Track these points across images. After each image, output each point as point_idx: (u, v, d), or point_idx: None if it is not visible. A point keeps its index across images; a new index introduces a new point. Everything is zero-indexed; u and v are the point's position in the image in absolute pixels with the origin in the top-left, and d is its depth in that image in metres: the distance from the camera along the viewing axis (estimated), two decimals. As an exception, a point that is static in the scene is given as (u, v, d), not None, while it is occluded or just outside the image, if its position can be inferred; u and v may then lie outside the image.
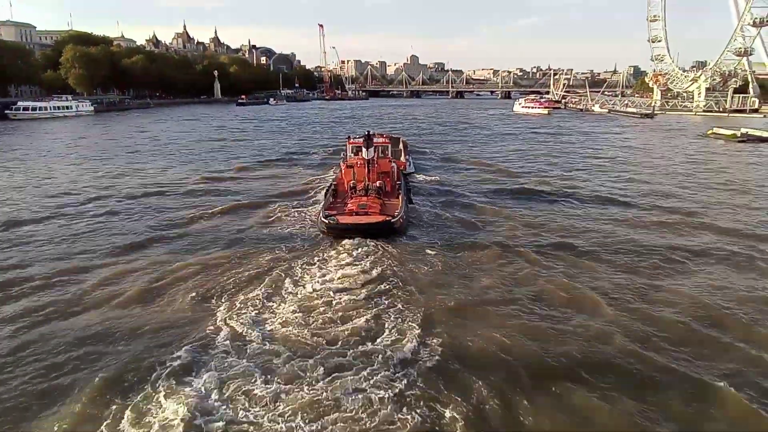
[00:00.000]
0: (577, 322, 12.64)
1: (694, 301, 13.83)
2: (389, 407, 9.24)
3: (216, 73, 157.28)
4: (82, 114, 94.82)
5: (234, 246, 18.33)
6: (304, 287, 14.40)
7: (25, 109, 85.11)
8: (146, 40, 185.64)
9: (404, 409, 9.23)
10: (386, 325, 12.22)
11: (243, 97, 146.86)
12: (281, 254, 17.22)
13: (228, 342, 11.49)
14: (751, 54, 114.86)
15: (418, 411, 9.20)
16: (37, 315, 12.94)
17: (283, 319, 12.56)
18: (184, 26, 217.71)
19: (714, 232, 20.67)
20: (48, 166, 36.81)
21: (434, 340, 11.52)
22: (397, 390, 9.68)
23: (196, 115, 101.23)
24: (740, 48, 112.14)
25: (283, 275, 15.22)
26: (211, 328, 12.20)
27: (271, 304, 13.45)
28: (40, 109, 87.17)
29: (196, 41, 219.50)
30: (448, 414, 9.17)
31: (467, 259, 16.91)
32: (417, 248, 17.91)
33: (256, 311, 13.00)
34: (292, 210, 23.47)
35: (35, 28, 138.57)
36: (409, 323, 12.28)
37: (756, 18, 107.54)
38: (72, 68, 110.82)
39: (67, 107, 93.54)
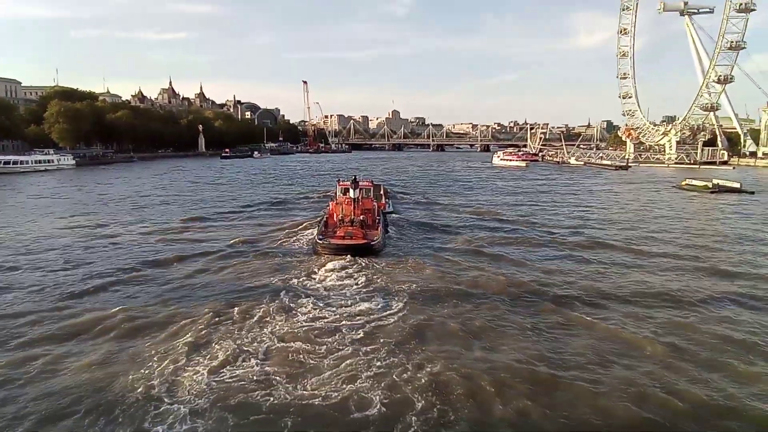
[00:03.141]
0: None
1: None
2: None
3: (201, 127, 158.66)
4: (64, 168, 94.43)
5: (234, 273, 21.28)
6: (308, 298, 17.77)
7: (6, 162, 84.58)
8: (132, 95, 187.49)
9: None
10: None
11: (227, 150, 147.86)
12: (278, 276, 20.54)
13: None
14: (717, 109, 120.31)
15: None
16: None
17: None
18: (170, 82, 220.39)
19: (711, 275, 21.96)
20: (17, 218, 36.30)
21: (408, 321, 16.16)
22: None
23: (180, 168, 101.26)
24: (707, 103, 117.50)
25: (284, 292, 18.22)
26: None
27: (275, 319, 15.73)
28: (22, 162, 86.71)
29: (181, 96, 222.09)
30: None
31: (428, 271, 21.79)
32: (391, 263, 22.90)
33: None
34: (283, 241, 27.96)
35: (21, 84, 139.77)
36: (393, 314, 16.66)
37: (720, 75, 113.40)
38: (56, 123, 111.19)
39: (49, 161, 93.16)
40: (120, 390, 11.50)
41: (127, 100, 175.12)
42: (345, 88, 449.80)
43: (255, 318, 15.68)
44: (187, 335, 14.43)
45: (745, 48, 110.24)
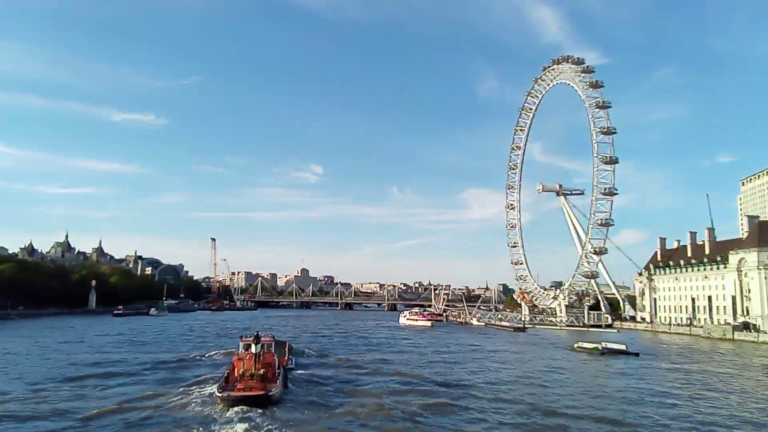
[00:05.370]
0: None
1: None
2: None
3: (93, 282, 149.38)
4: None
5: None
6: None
7: None
8: (20, 248, 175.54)
9: None
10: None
11: (120, 307, 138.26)
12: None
13: None
14: (596, 277, 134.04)
15: None
16: None
17: None
18: (66, 235, 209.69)
19: None
20: None
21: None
22: None
23: (64, 326, 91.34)
24: (587, 271, 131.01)
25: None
26: None
27: None
28: None
29: (77, 251, 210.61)
30: None
31: (324, 422, 23.71)
32: (287, 418, 23.88)
33: None
34: (169, 408, 26.33)
35: None
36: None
37: (595, 247, 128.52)
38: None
39: None
40: None
41: (15, 253, 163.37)
42: (254, 246, 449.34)
43: None
44: None
45: (613, 225, 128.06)
